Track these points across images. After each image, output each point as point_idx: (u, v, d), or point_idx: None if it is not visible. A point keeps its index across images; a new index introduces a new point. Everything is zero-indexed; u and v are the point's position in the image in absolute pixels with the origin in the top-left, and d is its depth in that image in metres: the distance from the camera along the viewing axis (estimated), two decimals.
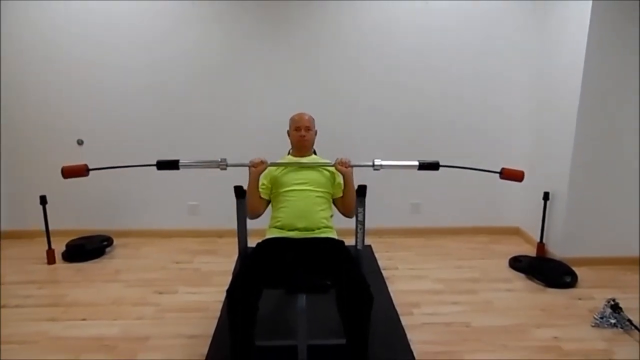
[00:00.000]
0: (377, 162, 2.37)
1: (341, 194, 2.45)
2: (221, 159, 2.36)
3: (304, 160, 2.48)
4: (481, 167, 2.53)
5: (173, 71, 3.76)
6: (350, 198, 2.40)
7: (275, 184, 2.43)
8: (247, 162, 2.34)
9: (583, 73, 3.17)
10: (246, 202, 2.39)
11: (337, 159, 2.36)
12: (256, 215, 2.42)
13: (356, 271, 2.07)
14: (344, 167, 2.34)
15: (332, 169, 2.43)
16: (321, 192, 2.41)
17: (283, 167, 2.45)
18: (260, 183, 2.41)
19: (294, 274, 2.16)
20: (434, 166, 2.43)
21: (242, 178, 2.53)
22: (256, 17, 3.70)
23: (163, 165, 2.40)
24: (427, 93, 3.88)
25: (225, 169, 2.37)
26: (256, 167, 2.33)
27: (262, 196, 2.43)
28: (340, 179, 2.44)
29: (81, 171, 2.37)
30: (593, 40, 3.12)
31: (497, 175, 2.47)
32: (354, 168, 2.37)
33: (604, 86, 3.20)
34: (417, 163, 2.41)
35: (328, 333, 2.35)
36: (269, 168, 2.41)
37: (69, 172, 2.35)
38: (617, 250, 3.44)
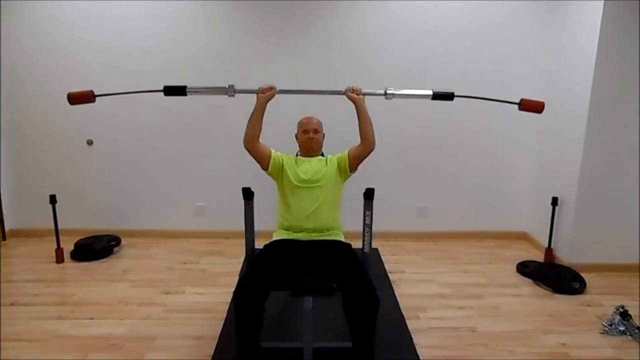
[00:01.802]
0: (390, 90, 2.36)
1: (351, 153, 2.42)
2: (229, 85, 2.35)
3: (313, 160, 2.47)
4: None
5: (182, 72, 3.78)
6: (367, 125, 2.36)
7: (285, 170, 2.41)
8: (256, 93, 2.35)
9: (593, 78, 3.15)
10: (247, 124, 2.35)
11: (348, 86, 2.37)
12: (250, 141, 2.35)
13: (362, 274, 2.07)
14: (355, 94, 2.35)
15: (338, 155, 2.44)
16: (330, 187, 2.40)
17: (296, 162, 2.44)
18: (276, 154, 2.41)
19: (301, 276, 2.16)
20: (448, 96, 2.39)
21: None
22: (265, 19, 3.72)
23: (170, 90, 2.36)
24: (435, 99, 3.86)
25: (234, 95, 2.36)
26: (265, 93, 2.34)
27: (268, 151, 2.40)
28: (343, 157, 2.44)
29: (88, 97, 2.31)
30: (604, 42, 3.10)
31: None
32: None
33: (614, 90, 3.18)
34: (431, 92, 2.38)
35: (334, 336, 2.35)
36: (286, 156, 2.43)
37: (76, 98, 2.30)
38: (626, 256, 3.41)
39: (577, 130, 3.32)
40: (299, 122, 2.55)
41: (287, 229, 2.37)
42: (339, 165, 2.44)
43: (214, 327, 2.56)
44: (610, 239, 3.40)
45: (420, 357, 2.29)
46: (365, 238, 2.36)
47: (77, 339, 2.45)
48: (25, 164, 3.92)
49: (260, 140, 2.39)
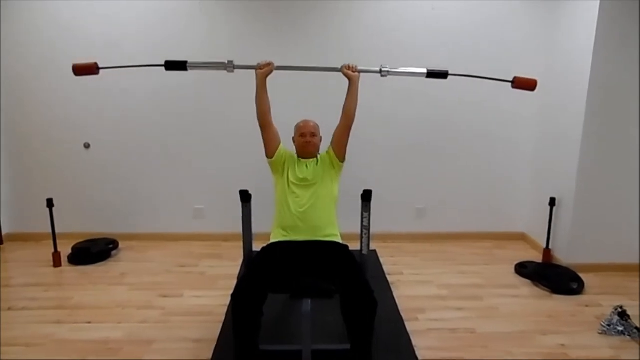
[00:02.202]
0: (385, 68, 2.40)
1: (335, 138, 2.46)
2: (228, 61, 2.38)
3: (311, 162, 2.48)
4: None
5: (180, 73, 3.76)
6: (352, 100, 2.41)
7: (287, 167, 2.44)
8: (254, 69, 2.39)
9: (590, 77, 3.16)
10: (255, 101, 2.40)
11: (344, 64, 2.40)
12: (262, 116, 2.41)
13: (360, 276, 2.07)
14: (351, 71, 2.38)
15: (329, 155, 2.46)
16: (325, 187, 2.41)
17: (294, 161, 2.46)
18: (281, 147, 2.45)
19: (299, 278, 2.16)
20: (442, 74, 2.42)
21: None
22: (263, 18, 3.72)
23: (171, 65, 2.38)
24: (435, 97, 3.87)
25: (233, 71, 2.39)
26: (262, 69, 2.37)
27: (278, 148, 2.44)
28: (329, 147, 2.48)
29: (92, 69, 2.35)
30: (601, 42, 3.12)
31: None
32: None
33: (611, 90, 3.19)
34: (425, 70, 2.40)
35: (332, 338, 2.35)
36: (286, 153, 2.45)
37: (80, 69, 2.35)
38: (624, 256, 3.42)
39: (574, 130, 3.32)
40: (296, 126, 2.56)
41: (284, 228, 2.37)
42: (330, 159, 2.47)
43: (213, 330, 2.55)
44: (608, 239, 3.40)
45: (419, 359, 2.29)
46: (363, 240, 2.36)
47: (74, 343, 2.44)
48: (22, 167, 3.92)
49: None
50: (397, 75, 2.45)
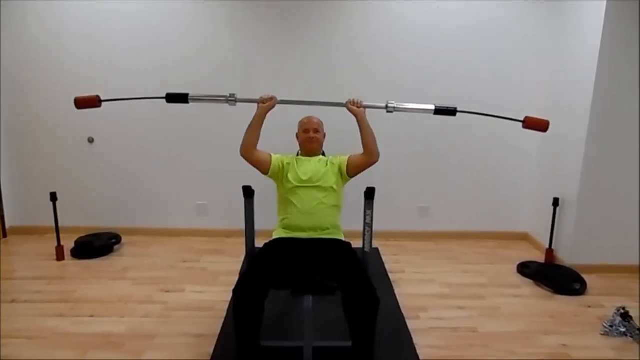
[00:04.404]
0: (391, 104, 2.31)
1: (352, 161, 2.42)
2: (230, 94, 2.34)
3: (314, 160, 2.47)
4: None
5: (183, 72, 3.78)
6: (369, 138, 2.33)
7: (286, 172, 2.41)
8: (256, 103, 2.35)
9: (595, 78, 3.14)
10: (245, 134, 2.34)
11: (349, 99, 2.34)
12: (247, 150, 2.35)
13: (362, 274, 2.07)
14: (356, 107, 2.33)
15: (340, 159, 2.44)
16: (330, 188, 2.39)
17: (296, 162, 2.44)
18: (277, 157, 2.42)
19: (301, 275, 2.16)
20: (451, 112, 2.33)
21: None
22: (266, 19, 3.71)
23: (172, 98, 2.37)
24: (438, 96, 3.84)
25: (235, 104, 2.36)
26: (265, 103, 2.33)
27: (269, 158, 2.40)
28: (343, 156, 2.45)
29: (94, 102, 2.36)
30: (606, 43, 3.09)
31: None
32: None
33: (616, 90, 3.17)
34: (433, 107, 2.33)
35: (334, 335, 2.35)
36: (286, 157, 2.43)
37: (82, 103, 2.35)
38: (627, 258, 3.40)
39: (579, 130, 3.31)
40: (299, 122, 2.55)
41: (287, 228, 2.37)
42: (340, 168, 2.45)
43: (214, 325, 2.55)
44: (611, 240, 3.39)
45: (420, 357, 2.29)
46: (366, 237, 2.36)
47: (77, 337, 2.45)
48: (26, 161, 3.93)
49: (261, 141, 2.38)
50: (403, 111, 2.38)
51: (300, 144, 2.55)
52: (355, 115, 2.33)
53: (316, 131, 2.49)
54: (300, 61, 3.79)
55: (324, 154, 2.64)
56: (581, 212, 3.36)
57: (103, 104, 2.36)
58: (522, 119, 2.31)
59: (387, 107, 2.30)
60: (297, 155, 2.60)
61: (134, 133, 3.90)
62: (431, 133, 3.93)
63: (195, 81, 3.78)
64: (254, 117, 2.34)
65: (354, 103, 2.33)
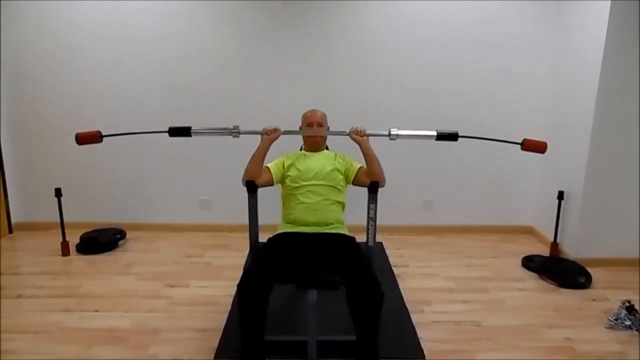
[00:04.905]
0: (394, 131, 2.32)
1: (359, 168, 2.43)
2: (233, 126, 2.35)
3: (316, 155, 2.47)
4: (502, 139, 2.45)
5: (187, 68, 3.78)
6: (374, 165, 2.33)
7: (289, 175, 2.42)
8: (260, 134, 2.34)
9: (601, 71, 3.11)
10: (248, 164, 2.34)
11: (352, 127, 2.34)
12: (250, 180, 2.33)
13: (367, 268, 2.07)
14: (359, 136, 2.32)
15: (348, 165, 2.43)
16: (333, 186, 2.40)
17: (298, 160, 2.45)
18: (275, 164, 2.42)
19: (305, 269, 2.16)
20: (452, 137, 2.36)
21: None
22: (269, 14, 3.69)
23: (175, 131, 2.38)
24: (441, 91, 3.84)
25: (238, 136, 2.36)
26: (269, 135, 2.33)
27: (268, 172, 2.40)
28: (349, 163, 2.44)
29: (95, 137, 2.39)
30: (612, 36, 3.06)
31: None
32: (371, 140, 2.34)
33: (622, 83, 3.14)
34: (435, 133, 2.34)
35: (338, 329, 2.35)
36: (286, 157, 2.42)
37: (84, 138, 2.37)
38: (633, 251, 3.38)
39: (584, 123, 3.28)
40: (303, 115, 2.54)
41: (291, 223, 2.37)
42: (345, 170, 2.46)
43: (219, 320, 2.56)
44: (616, 233, 3.37)
45: (425, 351, 2.29)
46: (370, 231, 2.35)
47: (82, 331, 2.47)
48: (31, 157, 3.94)
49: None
50: (406, 138, 2.39)
51: (303, 138, 2.55)
52: (359, 144, 2.34)
53: (320, 125, 2.48)
54: (300, 61, 3.77)
55: (327, 148, 2.64)
56: (586, 205, 3.34)
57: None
58: (520, 141, 2.39)
59: (389, 134, 2.33)
60: (300, 149, 2.59)
61: (138, 128, 3.88)
62: (436, 126, 3.89)
63: (195, 81, 3.80)
64: (258, 148, 2.34)
65: (357, 132, 2.33)
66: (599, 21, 3.12)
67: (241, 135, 2.38)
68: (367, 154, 2.33)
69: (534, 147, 2.36)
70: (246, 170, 2.34)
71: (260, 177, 2.36)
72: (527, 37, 3.75)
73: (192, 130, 2.36)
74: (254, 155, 2.34)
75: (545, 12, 3.69)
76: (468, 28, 3.73)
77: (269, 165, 2.43)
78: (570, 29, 3.51)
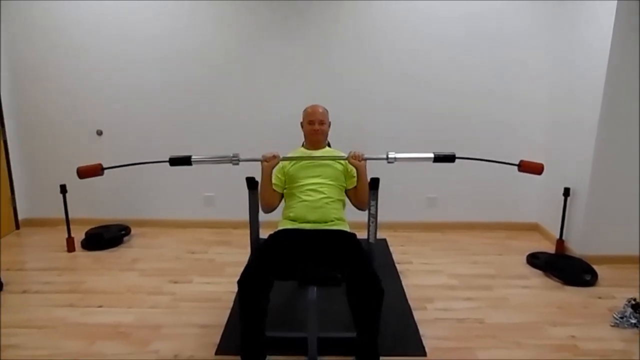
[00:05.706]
0: (391, 155, 2.33)
1: (354, 186, 2.43)
2: (233, 154, 2.35)
3: (317, 153, 2.47)
4: (500, 160, 2.45)
5: (188, 67, 3.78)
6: (363, 191, 2.37)
7: (289, 178, 2.43)
8: (259, 157, 2.33)
9: (607, 66, 3.06)
10: (259, 195, 2.39)
11: (350, 152, 2.34)
12: (270, 209, 2.42)
13: (367, 265, 2.06)
14: (357, 161, 2.32)
15: (349, 168, 2.42)
16: (334, 185, 2.40)
17: (302, 150, 2.45)
18: (274, 177, 2.40)
19: (306, 266, 2.16)
20: (449, 158, 2.37)
21: (255, 170, 2.53)
22: (270, 12, 3.68)
23: (175, 161, 2.40)
24: (443, 86, 3.81)
25: (238, 164, 2.37)
26: (268, 162, 2.32)
27: (276, 189, 2.42)
28: (353, 170, 2.43)
29: (96, 171, 2.41)
30: (619, 30, 3.00)
31: (514, 159, 2.40)
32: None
33: (629, 79, 3.08)
34: (432, 155, 2.36)
35: (338, 326, 2.35)
36: (282, 162, 2.41)
37: (85, 172, 2.39)
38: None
39: (590, 119, 3.24)
40: (304, 111, 2.53)
41: (292, 220, 2.37)
42: (344, 173, 2.45)
43: (221, 316, 2.57)
44: (622, 230, 3.33)
45: (426, 348, 2.28)
46: (371, 228, 2.35)
47: (86, 327, 2.49)
48: (36, 154, 3.98)
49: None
50: (403, 161, 2.38)
51: (305, 135, 2.54)
52: (357, 169, 2.34)
53: (321, 122, 2.46)
54: (303, 54, 3.76)
55: (329, 145, 2.63)
56: (592, 202, 3.30)
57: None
58: (517, 162, 2.42)
59: (387, 158, 2.33)
60: (302, 145, 2.59)
61: (142, 126, 3.92)
62: (439, 122, 3.88)
63: (196, 80, 3.80)
64: (262, 177, 2.35)
65: (355, 157, 2.31)
66: (606, 12, 3.07)
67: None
68: (361, 179, 2.35)
69: (531, 168, 2.42)
70: (261, 203, 2.39)
71: (276, 203, 2.43)
72: (532, 31, 3.70)
73: (192, 159, 2.38)
74: (260, 186, 2.37)
75: (552, 6, 3.65)
76: (471, 22, 3.69)
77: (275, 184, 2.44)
78: (577, 21, 3.46)
